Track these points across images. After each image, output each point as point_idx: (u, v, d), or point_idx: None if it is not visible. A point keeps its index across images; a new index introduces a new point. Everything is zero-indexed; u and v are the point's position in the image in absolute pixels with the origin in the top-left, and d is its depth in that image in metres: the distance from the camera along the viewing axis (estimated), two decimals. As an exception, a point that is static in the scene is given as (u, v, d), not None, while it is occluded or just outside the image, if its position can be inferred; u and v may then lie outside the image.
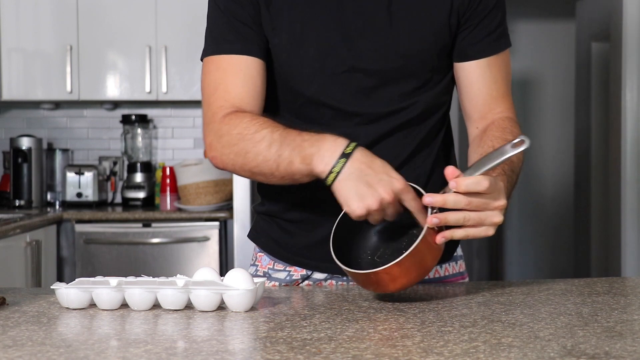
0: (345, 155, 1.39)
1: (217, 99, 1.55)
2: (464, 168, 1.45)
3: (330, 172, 1.39)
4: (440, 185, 1.62)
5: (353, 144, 1.41)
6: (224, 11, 1.58)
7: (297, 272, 1.69)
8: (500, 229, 6.85)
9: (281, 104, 1.64)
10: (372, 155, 1.41)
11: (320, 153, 1.41)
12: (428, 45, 1.58)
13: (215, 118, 1.54)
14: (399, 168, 1.58)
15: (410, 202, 1.39)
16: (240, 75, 1.55)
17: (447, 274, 1.71)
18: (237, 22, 1.56)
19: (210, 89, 1.56)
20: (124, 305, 1.39)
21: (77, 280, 1.40)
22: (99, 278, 1.41)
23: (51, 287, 1.42)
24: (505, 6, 1.66)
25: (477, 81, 1.64)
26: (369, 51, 1.57)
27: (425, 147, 1.64)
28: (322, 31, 1.57)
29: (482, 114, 1.65)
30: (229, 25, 1.57)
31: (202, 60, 1.61)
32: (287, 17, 1.57)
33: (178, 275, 1.41)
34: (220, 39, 1.58)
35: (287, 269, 1.70)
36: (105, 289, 1.38)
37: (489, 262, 6.83)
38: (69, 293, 1.38)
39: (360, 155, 1.40)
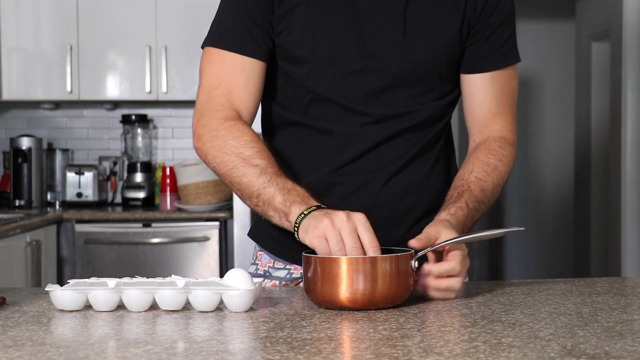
0: (304, 214, 1.44)
1: (219, 96, 1.59)
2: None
3: (299, 216, 1.45)
4: (438, 189, 1.65)
5: (316, 206, 1.46)
6: (236, 4, 1.61)
7: (297, 271, 1.69)
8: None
9: (290, 100, 1.66)
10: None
11: (296, 205, 1.46)
12: (439, 52, 1.61)
13: (214, 115, 1.58)
14: (399, 170, 1.62)
15: (364, 234, 1.38)
16: (244, 76, 1.60)
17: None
18: (247, 19, 1.59)
19: (213, 81, 1.60)
20: (120, 307, 1.39)
21: (72, 282, 1.40)
22: (93, 279, 1.40)
23: (45, 288, 1.41)
24: (515, 22, 1.67)
25: (479, 94, 1.67)
26: (381, 53, 1.59)
27: (426, 152, 1.66)
28: (335, 31, 1.59)
29: (480, 128, 1.69)
30: (238, 21, 1.60)
31: (203, 47, 1.64)
32: (302, 15, 1.59)
33: (172, 276, 1.40)
34: (227, 33, 1.61)
35: (287, 267, 1.70)
36: (102, 291, 1.37)
37: (489, 262, 6.83)
38: (64, 295, 1.37)
39: (318, 209, 1.45)
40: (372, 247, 1.37)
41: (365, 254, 1.37)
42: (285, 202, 1.47)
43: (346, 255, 1.36)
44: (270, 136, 1.71)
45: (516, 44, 1.68)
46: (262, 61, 1.61)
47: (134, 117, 4.85)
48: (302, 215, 1.43)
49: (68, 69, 4.55)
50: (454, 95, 1.68)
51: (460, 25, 1.61)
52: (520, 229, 1.51)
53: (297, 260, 1.68)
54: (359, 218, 1.39)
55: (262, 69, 1.62)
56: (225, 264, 4.41)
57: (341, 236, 1.37)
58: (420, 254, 1.42)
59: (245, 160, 1.53)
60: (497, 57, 1.65)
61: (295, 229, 1.44)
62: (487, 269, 6.78)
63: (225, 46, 1.60)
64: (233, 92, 1.60)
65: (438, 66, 1.62)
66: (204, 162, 1.61)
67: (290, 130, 1.67)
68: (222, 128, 1.57)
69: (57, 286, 1.39)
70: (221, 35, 1.61)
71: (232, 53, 1.60)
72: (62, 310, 1.38)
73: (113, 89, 4.62)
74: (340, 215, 1.38)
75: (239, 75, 1.60)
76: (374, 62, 1.59)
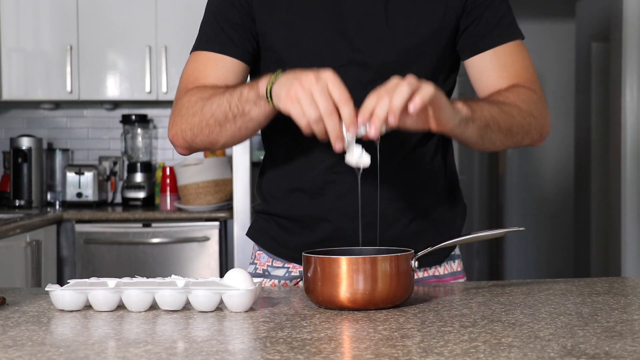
0: (272, 81, 1.42)
1: (187, 84, 1.62)
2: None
3: (268, 83, 1.42)
4: (435, 186, 1.63)
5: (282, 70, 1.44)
6: (215, 12, 1.66)
7: (296, 269, 1.69)
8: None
9: None
10: None
11: (265, 78, 1.44)
12: (423, 41, 1.61)
13: (179, 96, 1.61)
14: (398, 164, 1.62)
15: (334, 89, 1.33)
16: (215, 68, 1.63)
17: (445, 272, 1.72)
18: (225, 23, 1.63)
19: (185, 77, 1.64)
20: (120, 307, 1.39)
21: (72, 282, 1.40)
22: (93, 279, 1.40)
23: (45, 288, 1.41)
24: (508, 1, 1.66)
25: (486, 72, 1.64)
26: (366, 45, 1.59)
27: (422, 146, 1.66)
28: (320, 27, 1.60)
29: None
30: (216, 26, 1.64)
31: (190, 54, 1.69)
32: (285, 15, 1.61)
33: (172, 276, 1.41)
34: (205, 37, 1.66)
35: (286, 265, 1.71)
36: (102, 291, 1.37)
37: (489, 262, 6.83)
38: (64, 295, 1.38)
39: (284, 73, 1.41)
40: (341, 101, 1.32)
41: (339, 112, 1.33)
42: (252, 87, 1.46)
43: (320, 117, 1.33)
44: (268, 139, 1.72)
45: (515, 22, 1.66)
46: (239, 60, 1.63)
47: (134, 117, 4.85)
48: (271, 82, 1.42)
49: (68, 69, 4.55)
50: (448, 86, 1.67)
51: (443, 12, 1.61)
52: (520, 229, 1.51)
53: (295, 259, 1.68)
54: (328, 75, 1.34)
55: (238, 67, 1.64)
56: (225, 264, 4.41)
57: (313, 98, 1.34)
58: (420, 254, 1.42)
59: (208, 98, 1.54)
60: (495, 34, 1.63)
61: (269, 99, 1.42)
62: (487, 269, 6.78)
63: (201, 48, 1.65)
64: (200, 80, 1.62)
65: (426, 56, 1.61)
66: (181, 145, 1.60)
67: (286, 132, 1.66)
68: (185, 98, 1.59)
69: (57, 286, 1.39)
70: (200, 41, 1.67)
71: (207, 52, 1.64)
72: (62, 310, 1.38)
73: (113, 89, 4.62)
74: (309, 76, 1.34)
75: (210, 67, 1.62)
76: (360, 55, 1.59)
